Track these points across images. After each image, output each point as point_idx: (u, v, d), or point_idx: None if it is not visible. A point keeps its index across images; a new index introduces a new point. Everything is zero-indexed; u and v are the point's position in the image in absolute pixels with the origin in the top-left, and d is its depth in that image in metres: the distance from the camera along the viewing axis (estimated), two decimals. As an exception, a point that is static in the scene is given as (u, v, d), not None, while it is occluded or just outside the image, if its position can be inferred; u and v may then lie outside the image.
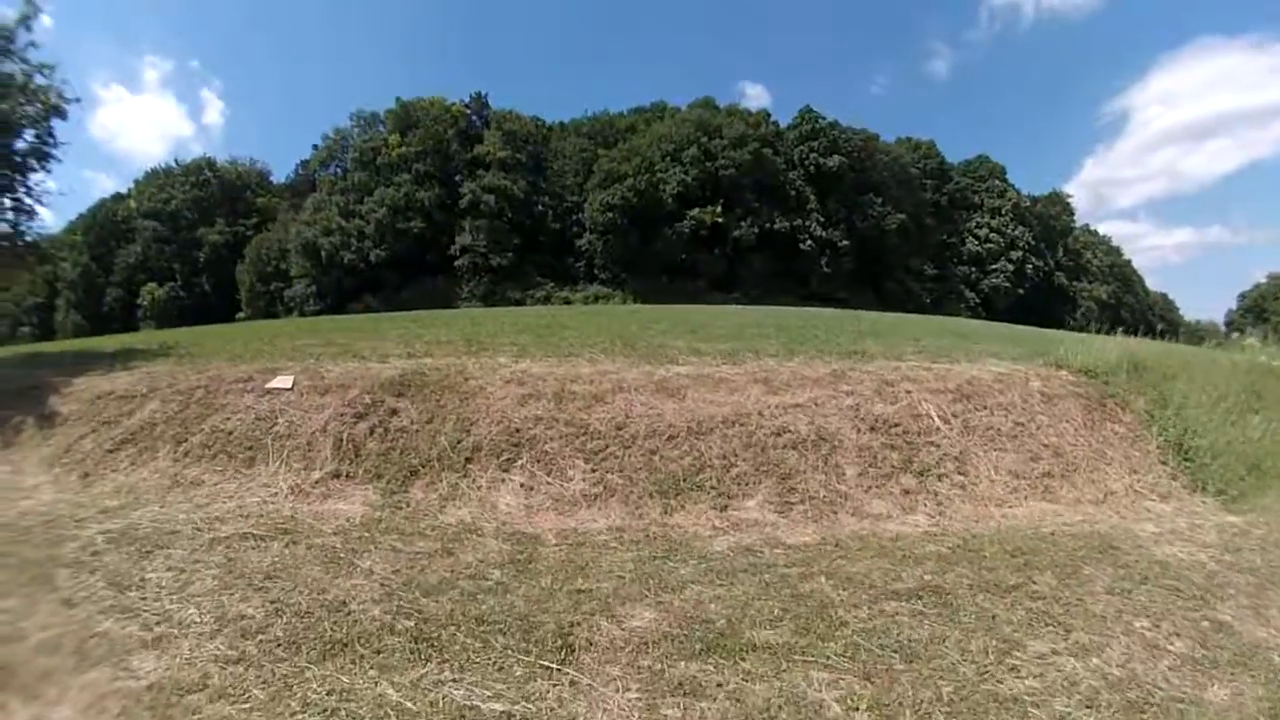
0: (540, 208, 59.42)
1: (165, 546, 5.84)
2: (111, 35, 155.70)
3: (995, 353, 11.18)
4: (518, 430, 7.95)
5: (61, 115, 14.35)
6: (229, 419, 8.61)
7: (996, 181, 71.27)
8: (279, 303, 60.27)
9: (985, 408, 8.77)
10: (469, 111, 64.05)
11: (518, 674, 3.90)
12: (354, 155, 62.87)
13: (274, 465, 7.74)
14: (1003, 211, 68.90)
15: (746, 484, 7.26)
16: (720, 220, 54.24)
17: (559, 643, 4.23)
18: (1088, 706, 3.70)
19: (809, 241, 56.67)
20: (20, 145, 13.97)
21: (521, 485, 7.25)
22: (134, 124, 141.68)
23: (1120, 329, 12.47)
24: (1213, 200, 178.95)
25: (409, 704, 3.58)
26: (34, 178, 14.33)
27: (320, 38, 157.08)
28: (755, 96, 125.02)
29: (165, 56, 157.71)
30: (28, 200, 14.41)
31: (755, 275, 55.25)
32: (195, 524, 6.41)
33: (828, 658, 4.11)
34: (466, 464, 7.53)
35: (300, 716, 3.50)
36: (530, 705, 3.63)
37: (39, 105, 13.92)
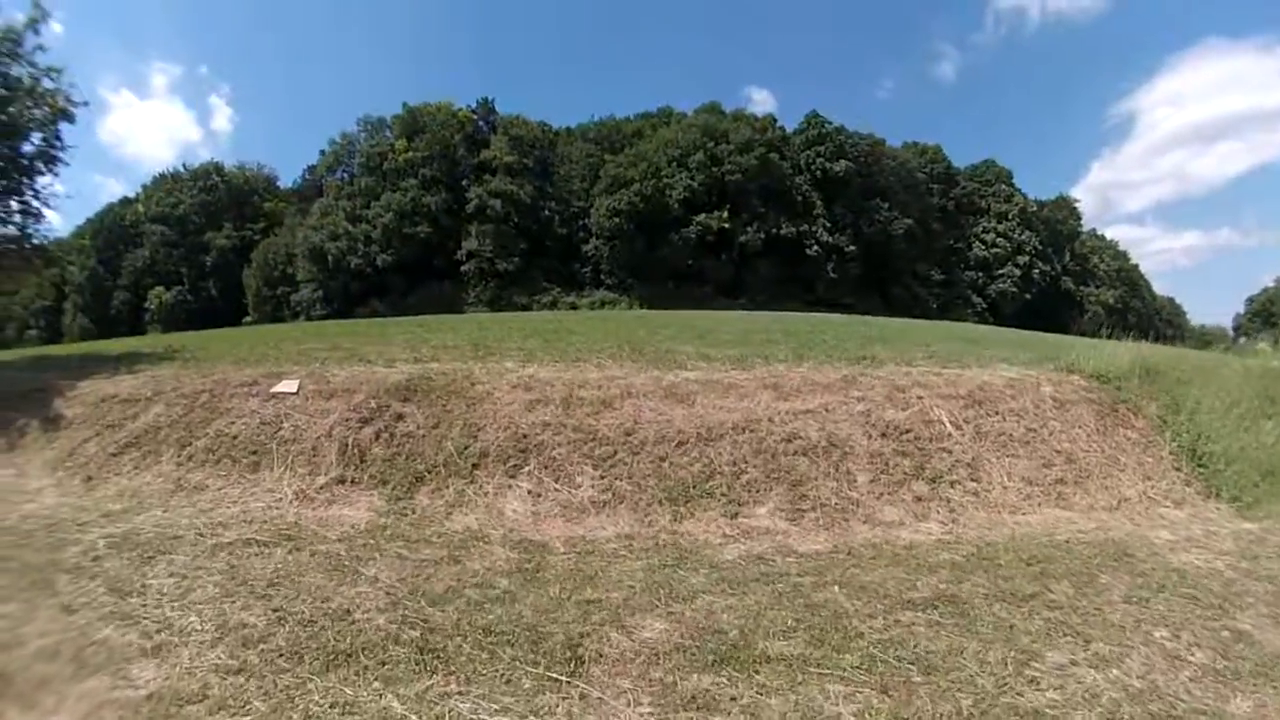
0: (547, 213, 59.48)
1: (167, 552, 5.77)
2: (120, 41, 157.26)
3: (1006, 358, 11.06)
4: (525, 436, 7.85)
5: (69, 119, 14.48)
6: (233, 423, 8.55)
7: (1003, 186, 71.17)
8: (285, 307, 60.41)
9: (997, 413, 8.65)
10: (475, 116, 64.16)
11: (526, 687, 3.79)
12: (361, 160, 63.10)
13: (278, 470, 7.67)
14: (1010, 216, 68.77)
15: (757, 491, 7.14)
16: (727, 226, 54.19)
17: (568, 654, 4.12)
18: None
19: (815, 247, 56.59)
20: (28, 148, 14.09)
21: (529, 492, 7.15)
22: (142, 129, 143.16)
23: (1130, 334, 12.29)
24: (1222, 203, 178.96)
25: (414, 718, 3.49)
26: (41, 181, 14.50)
27: (328, 44, 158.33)
28: (761, 101, 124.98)
29: (174, 62, 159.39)
30: (35, 203, 14.57)
31: (762, 281, 55.20)
32: (198, 529, 6.33)
33: (844, 670, 3.99)
34: (473, 470, 7.44)
35: (302, 730, 3.41)
36: (539, 720, 3.53)
37: (46, 109, 14.02)
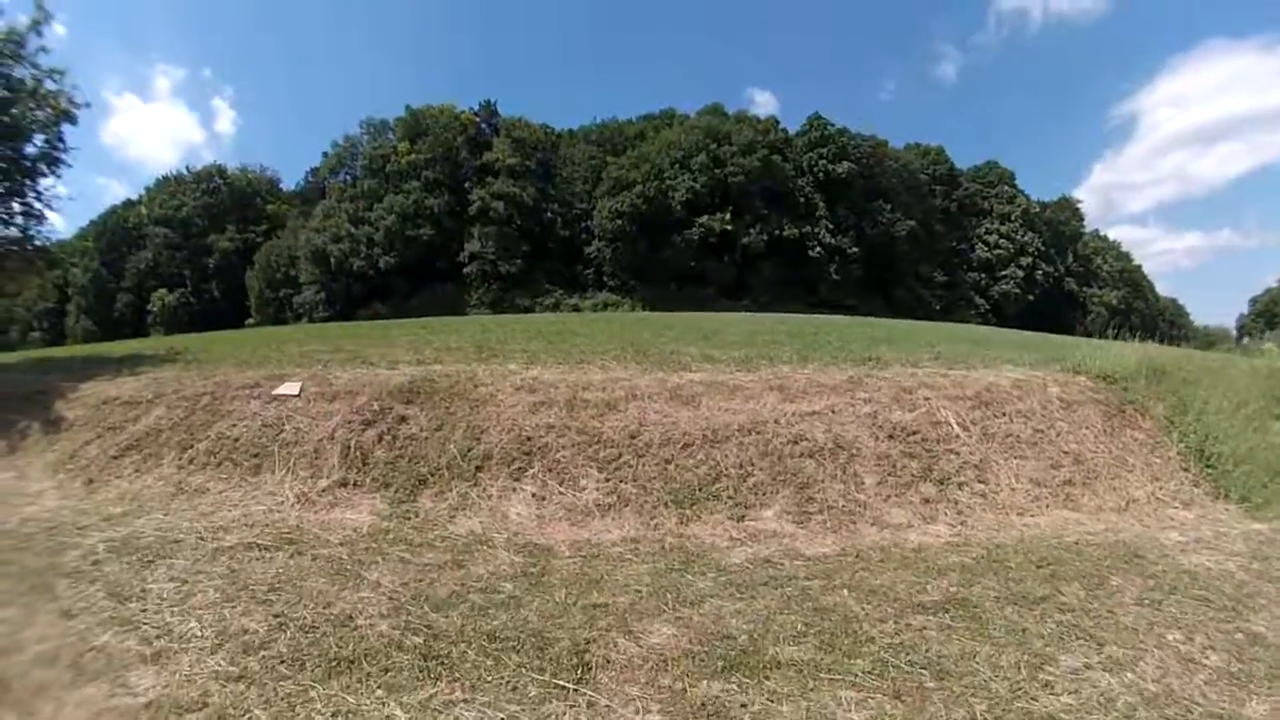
0: (549, 215, 59.50)
1: (167, 556, 5.71)
2: (124, 44, 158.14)
3: (1011, 359, 10.99)
4: (529, 438, 7.79)
5: (71, 120, 14.46)
6: (235, 426, 8.50)
7: (1006, 187, 71.12)
8: (288, 309, 60.48)
9: (1004, 414, 8.58)
10: (478, 119, 64.21)
11: (532, 694, 3.72)
12: (363, 162, 63.21)
13: (280, 473, 7.61)
14: (1012, 217, 68.70)
15: (763, 493, 7.07)
16: (729, 227, 54.18)
17: (574, 661, 4.05)
18: (1126, 725, 3.53)
19: (818, 248, 56.55)
20: (30, 150, 14.06)
21: (533, 495, 7.08)
22: (145, 132, 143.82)
23: (1136, 335, 12.21)
24: (1224, 204, 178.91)
25: (418, 726, 3.42)
26: (44, 182, 14.49)
27: (330, 47, 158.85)
28: (764, 103, 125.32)
29: (177, 65, 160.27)
30: (37, 205, 14.55)
31: (764, 282, 55.15)
32: (199, 533, 6.27)
33: (855, 675, 3.92)
34: (477, 473, 7.38)
35: (304, 739, 3.34)
36: (545, 728, 3.46)
37: (49, 110, 14.01)
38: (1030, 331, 25.80)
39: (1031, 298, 66.27)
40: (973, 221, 69.06)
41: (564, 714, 3.56)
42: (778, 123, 62.55)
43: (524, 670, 3.94)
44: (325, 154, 69.89)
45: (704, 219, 54.10)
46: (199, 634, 4.32)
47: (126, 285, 68.12)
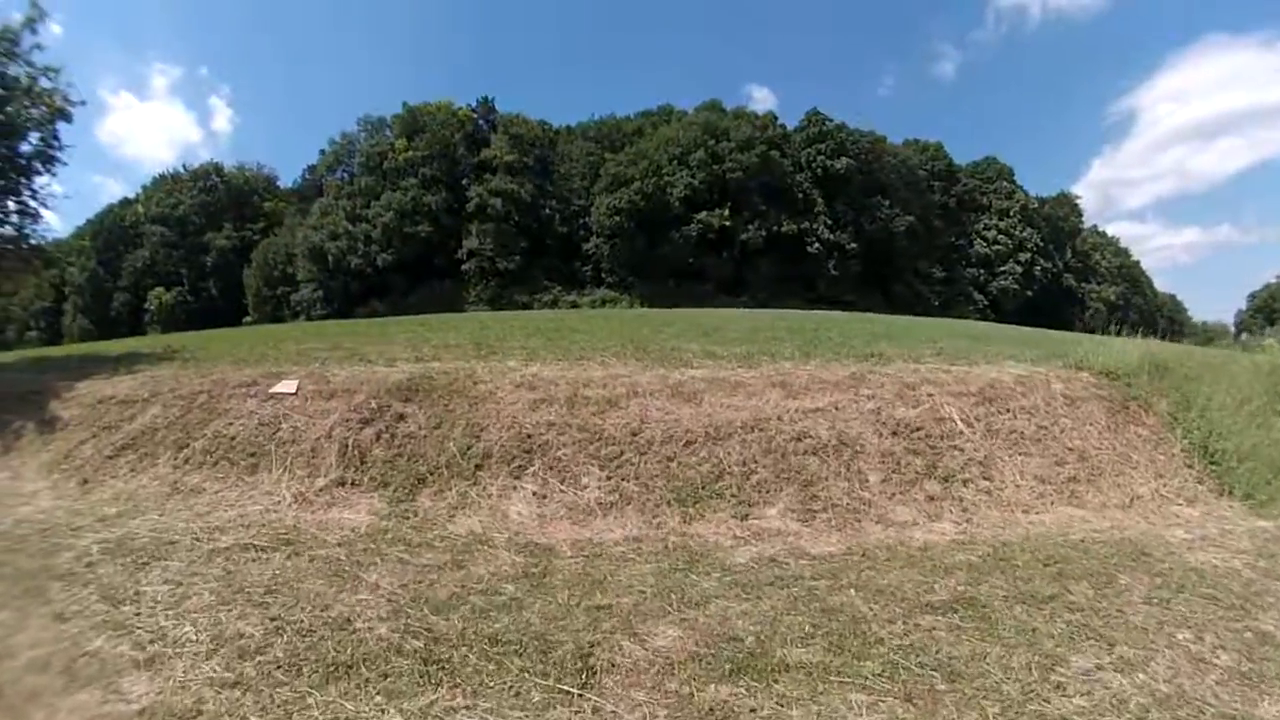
0: (547, 211, 59.36)
1: (162, 558, 5.62)
2: (120, 43, 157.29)
3: (1013, 355, 10.93)
4: (529, 436, 7.70)
5: (66, 118, 14.36)
6: (232, 424, 8.41)
7: (1004, 183, 71.03)
8: (286, 307, 60.34)
9: (1008, 411, 8.52)
10: (475, 115, 64.05)
11: (535, 700, 3.63)
12: (361, 160, 63.03)
13: (277, 472, 7.52)
14: (1011, 213, 68.61)
15: (767, 491, 7.00)
16: (728, 223, 54.01)
17: (579, 664, 3.97)
18: (1139, 726, 3.48)
19: (817, 244, 56.43)
20: (25, 148, 13.96)
21: (534, 493, 7.00)
22: (142, 130, 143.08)
23: (1139, 331, 12.16)
24: (1222, 199, 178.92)
25: (418, 733, 3.34)
26: (39, 181, 14.39)
27: (328, 44, 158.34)
28: (762, 99, 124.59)
29: (174, 64, 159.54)
30: (32, 204, 14.44)
31: (763, 278, 55.04)
32: (194, 534, 6.19)
33: (865, 678, 3.85)
34: (476, 471, 7.29)
35: (301, 747, 3.26)
36: (550, 735, 3.38)
37: (44, 108, 13.91)
38: (1029, 327, 25.72)
39: (1030, 293, 66.20)
40: (971, 217, 68.97)
41: (568, 720, 3.48)
42: (776, 119, 62.45)
43: (527, 675, 3.86)
44: (322, 151, 69.72)
45: (702, 215, 53.93)
46: (193, 638, 4.24)
47: (123, 284, 67.92)
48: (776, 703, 3.61)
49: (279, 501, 7.03)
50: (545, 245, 59.12)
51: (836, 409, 8.19)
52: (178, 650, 4.10)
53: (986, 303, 64.72)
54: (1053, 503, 7.25)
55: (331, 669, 3.88)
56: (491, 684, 3.77)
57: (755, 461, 7.34)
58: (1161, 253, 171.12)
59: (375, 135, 64.46)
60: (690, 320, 16.64)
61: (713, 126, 57.42)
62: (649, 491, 6.95)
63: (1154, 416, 8.79)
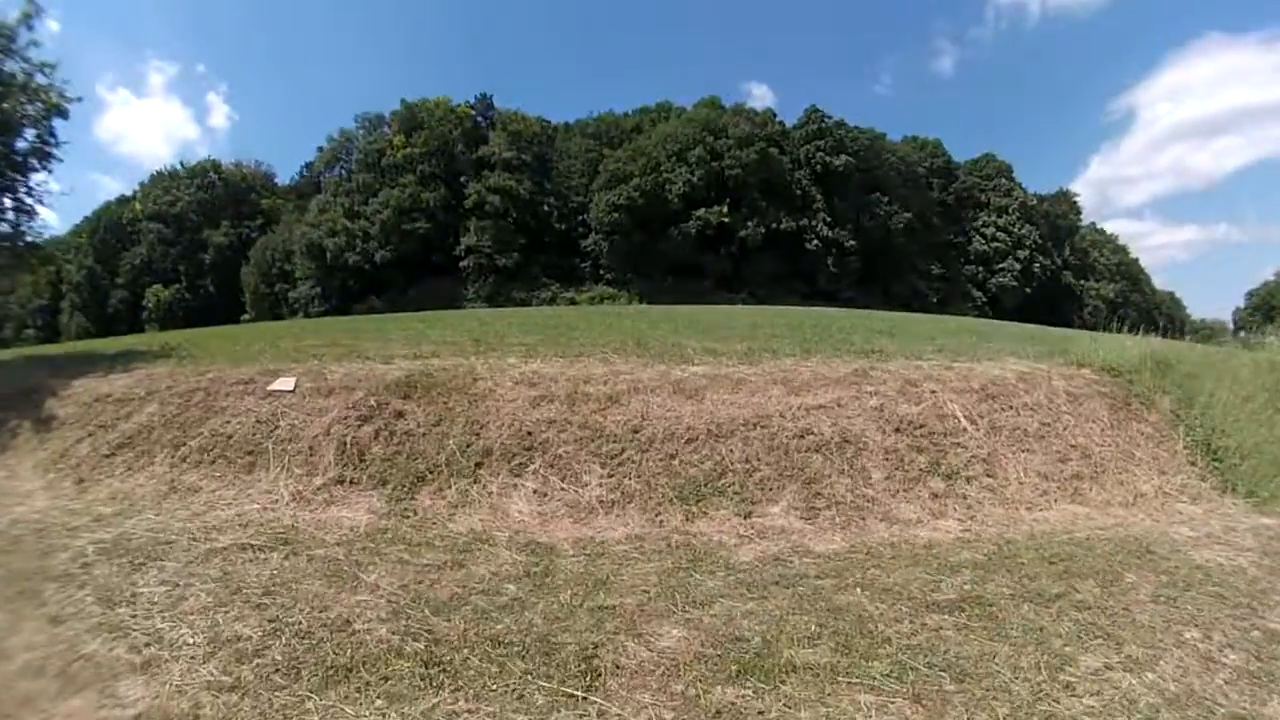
0: (545, 208, 59.34)
1: (159, 558, 5.54)
2: (118, 40, 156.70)
3: (1014, 351, 10.89)
4: (529, 433, 7.63)
5: (63, 115, 14.26)
6: (229, 422, 8.32)
7: (1003, 180, 71.00)
8: (284, 304, 60.26)
9: (1011, 407, 8.47)
10: (474, 112, 63.99)
11: (539, 703, 3.57)
12: (359, 157, 63.02)
13: (275, 471, 7.44)
14: (1009, 210, 68.61)
15: (770, 489, 6.94)
16: (726, 220, 54.00)
17: (583, 666, 3.90)
18: (1149, 727, 3.44)
19: (815, 241, 56.46)
20: (21, 145, 13.86)
21: (535, 491, 6.93)
22: (140, 127, 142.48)
23: (1136, 328, 12.14)
24: (1221, 197, 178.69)
25: (420, 739, 3.27)
26: (35, 178, 14.28)
27: (326, 41, 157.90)
28: (761, 96, 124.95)
29: (171, 60, 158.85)
30: (29, 201, 14.34)
31: (761, 275, 55.07)
32: (191, 533, 6.11)
33: (873, 679, 3.79)
34: (476, 469, 7.22)
35: (300, 753, 3.19)
36: (554, 739, 3.32)
37: (40, 104, 13.82)
38: (1030, 324, 25.70)
39: (1029, 290, 66.21)
40: (970, 214, 68.99)
41: (573, 724, 3.42)
42: (775, 116, 62.55)
43: (530, 677, 3.79)
44: (320, 148, 69.79)
45: (701, 212, 53.92)
46: (190, 641, 4.16)
47: (121, 282, 67.78)
48: (784, 705, 3.55)
49: (277, 500, 6.96)
50: (543, 242, 59.08)
51: (839, 406, 8.13)
52: (174, 653, 4.02)
53: (985, 300, 64.78)
54: (1056, 500, 7.21)
55: (331, 672, 3.80)
56: (494, 687, 3.70)
57: (758, 459, 7.27)
58: (1160, 250, 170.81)
59: (373, 132, 64.43)
60: (690, 317, 16.58)
61: (711, 123, 57.39)
62: (651, 489, 6.88)
63: (1156, 413, 8.75)
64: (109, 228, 70.17)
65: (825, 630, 4.36)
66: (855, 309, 31.86)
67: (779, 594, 4.95)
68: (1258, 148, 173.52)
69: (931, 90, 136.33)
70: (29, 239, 14.96)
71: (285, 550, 5.74)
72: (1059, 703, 3.60)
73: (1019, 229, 67.64)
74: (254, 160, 77.73)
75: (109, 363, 11.42)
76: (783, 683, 3.74)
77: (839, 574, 5.35)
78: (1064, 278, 71.18)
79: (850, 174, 59.04)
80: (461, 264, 57.47)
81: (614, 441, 7.48)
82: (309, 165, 72.15)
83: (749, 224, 54.80)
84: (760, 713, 3.49)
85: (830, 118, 61.48)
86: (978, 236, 67.66)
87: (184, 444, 8.09)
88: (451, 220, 58.15)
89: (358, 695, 3.59)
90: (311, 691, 3.62)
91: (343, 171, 65.38)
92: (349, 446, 7.64)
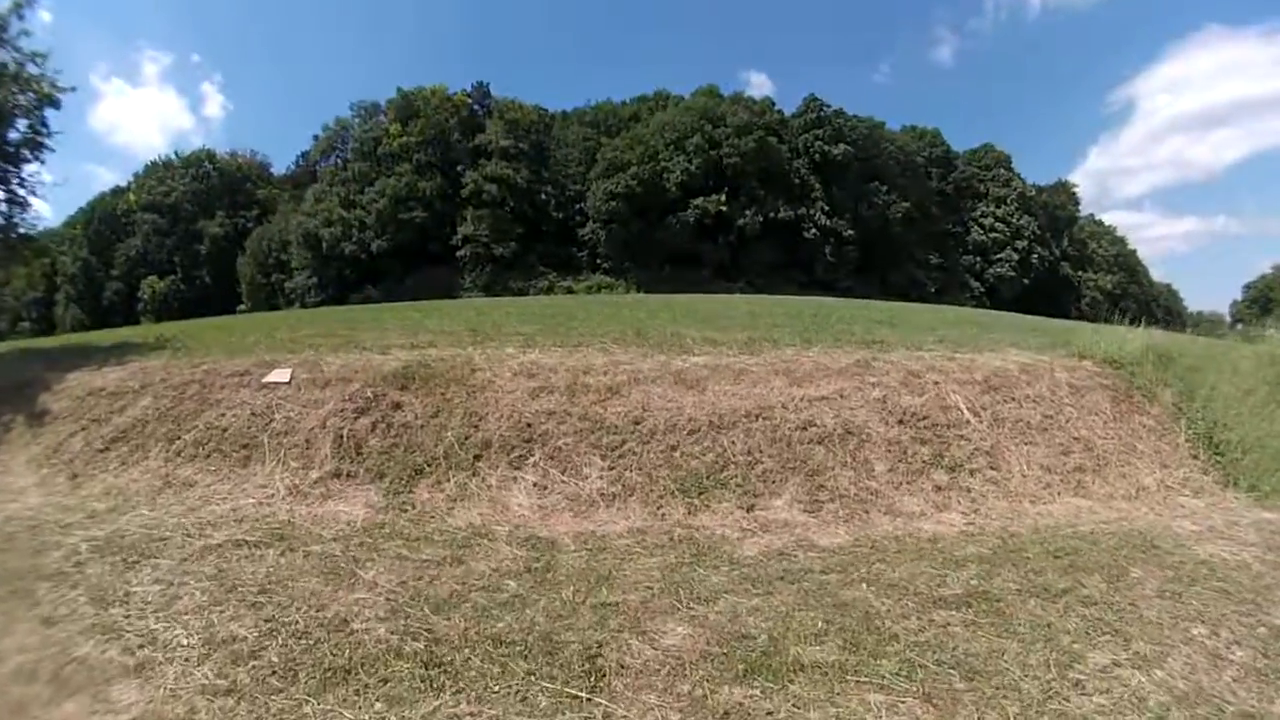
0: (543, 197, 59.08)
1: (153, 555, 5.45)
2: (111, 30, 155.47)
3: (1015, 343, 10.84)
4: (529, 425, 7.54)
5: (55, 105, 14.13)
6: (224, 415, 8.22)
7: (1002, 170, 70.80)
8: (280, 294, 60.02)
9: (1014, 399, 8.43)
10: (470, 100, 63.58)
11: (542, 705, 3.49)
12: (355, 146, 62.65)
13: (270, 464, 7.35)
14: (1008, 201, 68.45)
15: (773, 481, 6.87)
16: (724, 209, 53.86)
17: (586, 666, 3.82)
18: (1159, 726, 3.39)
19: (814, 230, 56.31)
20: (13, 136, 13.73)
21: (535, 484, 6.85)
22: (134, 117, 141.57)
23: (1135, 320, 12.07)
24: (1220, 190, 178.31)
25: (421, 743, 3.19)
26: (28, 169, 14.15)
27: (321, 29, 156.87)
28: (759, 85, 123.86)
29: (166, 50, 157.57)
30: (21, 192, 14.21)
31: (759, 264, 54.99)
32: (186, 530, 6.02)
33: (882, 677, 3.73)
34: (475, 462, 7.13)
35: (298, 759, 3.11)
36: (558, 742, 3.24)
37: (32, 94, 13.68)
38: (1030, 315, 25.62)
39: (1027, 281, 66.16)
40: (969, 204, 68.81)
41: (577, 726, 3.34)
42: (773, 104, 62.20)
43: (533, 678, 3.71)
44: (316, 137, 69.34)
45: (699, 201, 53.76)
46: (185, 642, 4.07)
47: (116, 273, 67.45)
48: (793, 705, 3.48)
49: (272, 495, 6.87)
50: (541, 231, 58.88)
51: (841, 397, 8.06)
52: (169, 655, 3.93)
53: (983, 290, 64.73)
54: (1059, 493, 7.19)
55: (329, 674, 3.72)
56: (496, 688, 3.62)
57: (760, 451, 7.20)
58: (1158, 242, 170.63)
59: (369, 121, 63.99)
60: (688, 306, 16.47)
61: (710, 112, 57.14)
62: (652, 482, 6.81)
63: (1158, 406, 8.74)
64: (103, 219, 69.77)
65: (832, 627, 4.30)
66: (853, 298, 31.76)
67: (784, 589, 4.88)
68: (1257, 140, 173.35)
69: (931, 80, 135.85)
70: (22, 231, 14.84)
71: (281, 546, 5.66)
72: (1069, 701, 3.56)
73: (1017, 219, 67.50)
74: (249, 150, 77.45)
75: (103, 355, 11.29)
76: (791, 682, 3.68)
77: (844, 569, 5.29)
78: (1062, 269, 71.12)
79: (849, 163, 58.82)
80: (458, 253, 57.21)
81: (614, 433, 7.40)
82: (304, 154, 71.79)
83: (747, 213, 54.64)
84: (769, 713, 3.42)
85: (829, 107, 61.23)
86: (976, 227, 67.54)
87: (178, 438, 7.99)
88: (448, 209, 57.86)
89: (356, 698, 3.51)
90: (309, 694, 3.53)
91: (338, 161, 64.98)
92: (345, 439, 7.55)
